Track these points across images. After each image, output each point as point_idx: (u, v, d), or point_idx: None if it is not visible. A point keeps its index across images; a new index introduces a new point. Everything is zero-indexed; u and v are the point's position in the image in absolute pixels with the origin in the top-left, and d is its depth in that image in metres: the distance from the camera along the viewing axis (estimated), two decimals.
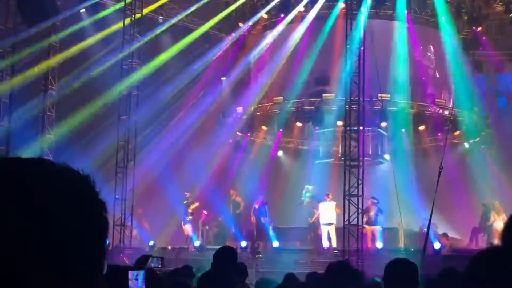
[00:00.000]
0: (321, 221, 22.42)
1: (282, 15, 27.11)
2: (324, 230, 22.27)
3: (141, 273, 3.62)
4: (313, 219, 23.26)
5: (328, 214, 22.18)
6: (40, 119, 24.24)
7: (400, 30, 25.93)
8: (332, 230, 21.95)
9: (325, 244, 22.07)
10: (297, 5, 26.62)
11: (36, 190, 1.21)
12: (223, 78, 29.37)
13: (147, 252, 18.60)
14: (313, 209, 23.43)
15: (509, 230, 1.80)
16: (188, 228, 24.14)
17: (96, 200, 1.29)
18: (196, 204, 24.42)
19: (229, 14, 28.13)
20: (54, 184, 1.24)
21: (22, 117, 23.18)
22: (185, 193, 24.44)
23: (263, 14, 27.69)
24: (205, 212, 25.08)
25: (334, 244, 21.63)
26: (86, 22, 26.06)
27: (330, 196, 22.30)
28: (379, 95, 24.76)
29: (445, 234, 22.60)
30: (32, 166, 1.26)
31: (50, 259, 1.19)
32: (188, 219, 24.16)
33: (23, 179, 1.22)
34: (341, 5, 25.06)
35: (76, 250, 1.22)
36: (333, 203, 21.71)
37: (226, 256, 6.73)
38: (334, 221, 21.70)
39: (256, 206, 23.60)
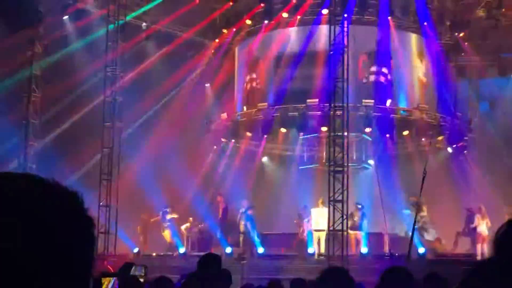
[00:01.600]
0: (313, 227, 22.44)
1: (266, 21, 27.14)
2: (315, 236, 22.29)
3: (112, 280, 3.62)
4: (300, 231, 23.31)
5: (320, 220, 22.19)
6: (24, 126, 24.12)
7: (383, 35, 26.03)
8: (323, 236, 21.96)
9: (312, 250, 22.09)
10: (281, 11, 26.66)
11: (24, 207, 1.21)
12: (207, 85, 29.36)
13: (131, 260, 18.57)
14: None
15: (509, 241, 1.78)
16: (167, 235, 24.19)
17: (85, 217, 1.29)
18: (175, 215, 24.49)
19: (213, 21, 28.14)
20: (42, 201, 1.23)
21: (6, 124, 23.04)
22: (168, 207, 24.57)
23: (246, 20, 27.72)
24: (190, 219, 25.06)
25: (323, 250, 21.63)
26: (70, 29, 26.01)
27: (322, 202, 22.29)
28: (363, 100, 24.84)
29: (438, 239, 22.69)
30: (20, 183, 1.26)
31: (37, 276, 1.19)
32: (166, 225, 24.24)
33: (10, 196, 1.22)
34: (324, 11, 25.12)
35: (64, 268, 1.22)
36: (325, 209, 21.68)
37: (210, 263, 6.73)
38: (325, 227, 21.73)
39: (242, 212, 23.64)
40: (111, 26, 23.78)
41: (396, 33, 26.45)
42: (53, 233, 1.21)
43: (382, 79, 26.05)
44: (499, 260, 1.75)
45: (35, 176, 1.29)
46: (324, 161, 24.40)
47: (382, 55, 25.96)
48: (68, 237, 1.23)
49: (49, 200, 1.24)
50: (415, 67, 27.19)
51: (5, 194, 1.22)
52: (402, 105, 26.33)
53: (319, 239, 22.20)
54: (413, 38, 27.15)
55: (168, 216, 24.64)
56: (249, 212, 23.61)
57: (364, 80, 25.87)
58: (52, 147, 24.12)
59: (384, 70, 26.03)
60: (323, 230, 21.90)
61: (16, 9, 22.75)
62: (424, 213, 22.69)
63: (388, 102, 25.41)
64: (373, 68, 25.93)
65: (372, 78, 26.03)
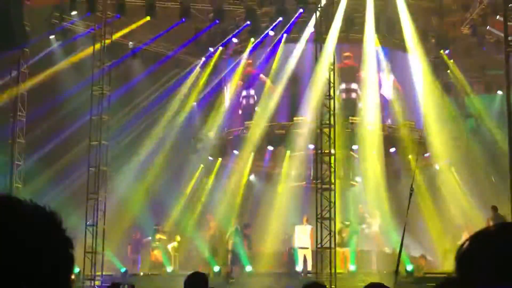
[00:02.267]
0: (296, 244, 22.45)
1: (252, 40, 27.22)
2: (300, 253, 22.28)
3: None
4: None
5: (302, 237, 22.20)
6: (10, 146, 24.01)
7: (369, 53, 26.12)
8: (308, 253, 21.93)
9: (298, 267, 22.06)
10: (267, 29, 26.74)
11: (1, 228, 1.20)
12: (194, 103, 29.35)
13: (119, 279, 18.48)
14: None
15: (465, 260, 1.73)
16: (157, 254, 24.13)
17: (62, 238, 1.28)
18: (163, 236, 24.47)
19: (200, 39, 28.18)
20: (20, 223, 1.22)
21: None
22: (157, 225, 24.57)
23: (233, 38, 27.79)
24: (178, 238, 24.99)
25: (310, 268, 21.58)
26: (56, 48, 25.99)
27: (306, 219, 22.29)
28: (350, 118, 24.90)
29: (423, 256, 22.70)
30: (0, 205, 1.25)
31: None
32: (155, 245, 24.22)
33: None
34: (310, 29, 25.21)
35: (43, 286, 1.21)
36: (309, 227, 21.66)
37: (197, 282, 6.68)
38: (308, 245, 21.67)
39: (231, 231, 23.62)
40: (97, 45, 23.76)
41: (382, 50, 26.57)
42: (30, 253, 1.20)
43: (353, 95, 26.21)
44: (459, 279, 1.69)
45: (12, 197, 1.28)
46: (311, 178, 24.42)
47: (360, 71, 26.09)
48: (46, 256, 1.22)
49: (26, 221, 1.23)
50: (401, 83, 27.27)
51: None
52: (389, 122, 26.42)
53: (304, 257, 22.18)
54: (399, 55, 27.25)
55: (157, 236, 24.62)
56: (246, 231, 23.68)
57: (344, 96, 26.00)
58: (39, 167, 24.01)
59: (354, 86, 26.17)
60: (307, 248, 21.90)
61: (2, 28, 22.69)
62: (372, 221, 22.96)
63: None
64: (345, 86, 26.06)
65: (351, 95, 26.18)
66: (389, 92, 27.01)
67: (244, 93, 27.46)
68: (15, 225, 1.22)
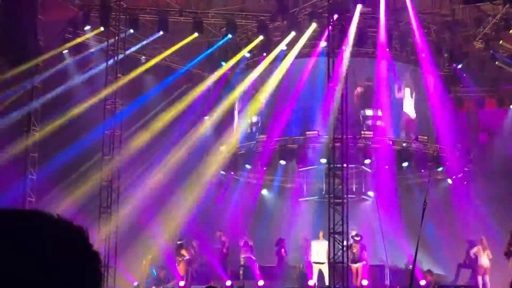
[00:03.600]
0: (312, 259, 22.39)
1: (265, 54, 27.26)
2: (315, 268, 22.22)
3: None
4: None
5: (320, 252, 22.15)
6: (23, 160, 24.11)
7: (381, 68, 26.14)
8: (324, 268, 21.86)
9: (312, 282, 22.00)
10: (279, 43, 26.79)
11: (30, 244, 1.20)
12: (206, 117, 29.40)
13: None
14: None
15: None
16: (181, 268, 23.99)
17: (91, 253, 1.29)
18: (185, 253, 24.27)
19: (212, 53, 28.26)
20: (50, 238, 1.23)
21: (5, 158, 23.02)
22: (181, 240, 24.45)
23: (245, 52, 27.84)
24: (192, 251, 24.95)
25: (327, 283, 21.46)
26: (69, 62, 26.11)
27: (322, 234, 22.24)
28: (362, 132, 24.88)
29: (429, 271, 22.58)
30: (29, 220, 1.25)
31: None
32: (180, 259, 24.05)
33: (19, 234, 1.21)
34: (322, 43, 25.24)
35: None
36: (325, 242, 21.56)
37: None
38: (325, 260, 21.61)
39: (242, 245, 23.61)
40: (110, 60, 23.86)
41: (394, 64, 26.56)
42: (61, 269, 1.20)
43: (378, 113, 26.16)
44: None
45: (42, 212, 1.29)
46: (323, 193, 24.39)
47: (378, 88, 26.07)
48: (74, 273, 1.22)
49: (56, 237, 1.24)
50: (413, 98, 27.24)
51: (11, 230, 1.21)
52: (401, 137, 26.38)
53: (319, 272, 22.11)
54: (411, 69, 27.23)
55: (182, 252, 24.37)
56: (249, 245, 23.70)
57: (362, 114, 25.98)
58: (51, 181, 24.06)
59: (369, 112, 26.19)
60: (323, 263, 21.82)
61: (16, 42, 22.84)
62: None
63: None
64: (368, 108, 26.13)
65: (368, 112, 26.16)
66: (412, 111, 26.96)
67: (254, 107, 27.44)
68: (41, 239, 1.22)
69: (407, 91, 27.08)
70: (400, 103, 26.81)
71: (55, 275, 1.19)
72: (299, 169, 27.10)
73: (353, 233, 22.31)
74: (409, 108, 27.01)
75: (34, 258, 1.19)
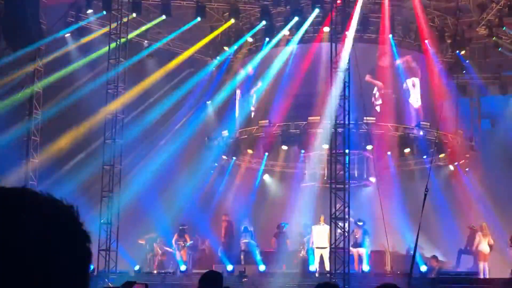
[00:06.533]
0: (314, 244, 22.40)
1: (267, 39, 27.19)
2: (317, 253, 22.24)
3: None
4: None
5: (321, 237, 22.16)
6: (25, 143, 24.12)
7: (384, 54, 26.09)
8: (325, 253, 21.87)
9: (313, 267, 22.03)
10: (282, 29, 26.72)
11: (19, 221, 1.19)
12: (208, 102, 29.38)
13: (132, 278, 18.51)
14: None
15: None
16: (183, 254, 24.05)
17: (80, 231, 1.28)
18: (189, 241, 24.35)
19: (214, 38, 28.20)
20: (37, 215, 1.22)
21: (7, 141, 23.03)
22: (183, 225, 24.47)
23: (248, 38, 27.78)
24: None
25: (327, 268, 21.47)
26: (71, 46, 26.07)
27: (323, 219, 22.23)
28: (365, 118, 24.84)
29: (435, 257, 22.61)
30: (15, 197, 1.24)
31: None
32: (182, 245, 24.11)
33: (4, 210, 1.21)
34: (325, 28, 25.16)
35: (60, 281, 1.20)
36: (327, 227, 21.56)
37: (211, 280, 6.69)
38: (327, 244, 21.62)
39: (242, 230, 23.64)
40: (113, 44, 23.79)
41: (397, 51, 26.51)
42: (47, 247, 1.19)
43: (388, 98, 26.14)
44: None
45: (29, 189, 1.28)
46: (325, 178, 24.40)
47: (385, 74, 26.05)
48: (63, 250, 1.21)
49: (44, 214, 1.23)
50: (416, 85, 27.19)
51: None
52: (403, 122, 26.34)
53: (321, 257, 22.14)
54: (414, 55, 27.16)
55: (186, 236, 24.40)
56: (250, 229, 23.71)
57: (374, 102, 25.98)
58: (53, 164, 24.09)
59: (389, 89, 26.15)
60: (325, 248, 21.83)
61: (18, 26, 22.80)
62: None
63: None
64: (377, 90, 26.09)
65: (378, 101, 26.14)
66: (415, 98, 26.91)
67: (257, 92, 27.40)
68: (30, 217, 1.21)
69: (411, 78, 27.01)
70: (403, 90, 26.76)
71: (43, 253, 1.19)
72: (301, 154, 27.10)
73: (356, 218, 22.32)
74: (413, 95, 26.96)
75: (22, 235, 1.18)
